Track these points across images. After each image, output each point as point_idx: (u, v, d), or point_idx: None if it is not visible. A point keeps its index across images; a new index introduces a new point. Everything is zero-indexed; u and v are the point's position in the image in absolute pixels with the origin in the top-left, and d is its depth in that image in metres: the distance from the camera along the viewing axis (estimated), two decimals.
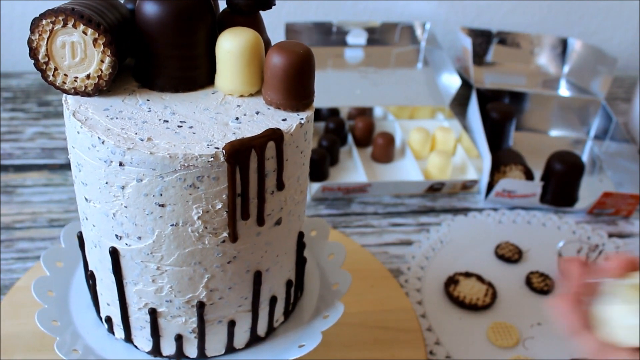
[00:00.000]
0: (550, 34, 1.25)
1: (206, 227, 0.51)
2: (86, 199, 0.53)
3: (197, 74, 0.54)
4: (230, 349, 0.59)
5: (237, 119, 0.51)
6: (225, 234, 0.52)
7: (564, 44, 1.23)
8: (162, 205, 0.49)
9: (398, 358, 0.71)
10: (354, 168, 1.02)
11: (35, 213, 0.90)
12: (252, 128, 0.51)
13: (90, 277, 0.59)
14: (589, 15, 1.36)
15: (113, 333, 0.60)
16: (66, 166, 0.99)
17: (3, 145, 1.03)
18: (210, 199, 0.50)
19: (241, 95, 0.54)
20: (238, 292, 0.56)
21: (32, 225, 0.88)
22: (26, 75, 1.22)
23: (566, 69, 1.24)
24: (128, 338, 0.59)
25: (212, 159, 0.48)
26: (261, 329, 0.60)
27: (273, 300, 0.59)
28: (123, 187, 0.49)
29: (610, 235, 0.94)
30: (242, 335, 0.59)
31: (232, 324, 0.57)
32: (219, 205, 0.50)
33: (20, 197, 0.92)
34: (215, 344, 0.59)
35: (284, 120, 0.52)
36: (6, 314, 0.72)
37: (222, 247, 0.52)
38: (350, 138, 1.06)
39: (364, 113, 1.11)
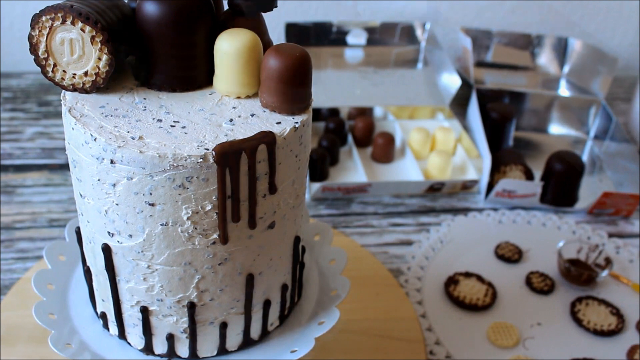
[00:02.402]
0: (550, 34, 1.25)
1: (196, 228, 0.51)
2: (81, 195, 0.53)
3: (195, 74, 0.54)
4: (222, 350, 0.59)
5: (231, 120, 0.51)
6: (215, 236, 0.51)
7: (564, 44, 1.23)
8: (152, 205, 0.49)
9: (397, 358, 0.71)
10: (354, 168, 1.02)
11: (35, 213, 0.90)
12: (245, 130, 0.50)
13: (87, 273, 0.59)
14: (589, 15, 1.36)
15: (108, 329, 0.60)
16: (66, 166, 0.99)
17: (3, 145, 1.03)
18: (199, 200, 0.49)
19: (238, 97, 0.54)
20: (230, 294, 0.56)
21: (32, 225, 0.88)
22: (26, 75, 1.22)
23: (566, 69, 1.24)
24: (122, 335, 0.59)
25: (201, 160, 0.48)
26: (254, 332, 0.60)
27: (267, 304, 0.59)
28: (114, 185, 0.49)
29: (610, 235, 0.94)
30: (234, 338, 0.59)
31: (224, 326, 0.57)
32: (209, 207, 0.50)
33: (20, 197, 0.92)
34: (207, 345, 0.58)
35: (279, 123, 0.51)
36: (10, 305, 0.72)
37: (212, 249, 0.52)
38: (350, 138, 1.06)
39: (364, 113, 1.11)
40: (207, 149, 0.48)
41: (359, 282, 0.67)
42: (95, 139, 0.48)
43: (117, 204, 0.50)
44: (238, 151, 0.48)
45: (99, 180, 0.50)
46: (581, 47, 1.22)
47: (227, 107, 0.53)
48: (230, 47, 0.51)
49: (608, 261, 0.84)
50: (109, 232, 0.52)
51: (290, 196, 0.55)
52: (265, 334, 0.61)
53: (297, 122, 0.52)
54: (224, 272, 0.54)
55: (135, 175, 0.48)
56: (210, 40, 0.53)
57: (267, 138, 0.50)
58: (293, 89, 0.51)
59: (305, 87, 0.52)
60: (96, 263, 0.56)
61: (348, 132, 1.07)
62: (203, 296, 0.55)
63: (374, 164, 1.04)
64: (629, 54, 1.40)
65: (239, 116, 0.52)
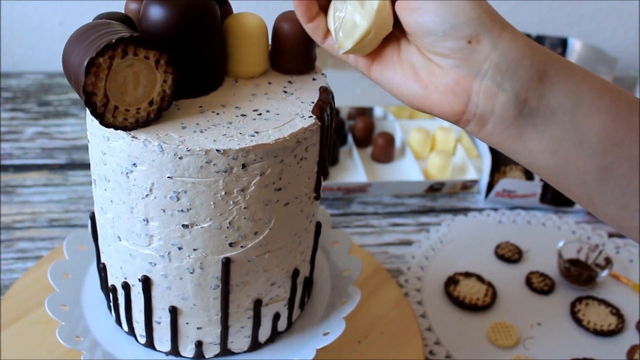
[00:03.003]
0: (550, 34, 1.25)
1: (306, 194, 0.53)
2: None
3: (204, 77, 0.53)
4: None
5: (285, 92, 0.54)
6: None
7: (564, 44, 1.23)
8: (279, 190, 0.51)
9: (396, 358, 0.71)
10: (354, 168, 1.02)
11: (35, 213, 0.90)
12: (306, 94, 0.53)
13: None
14: (589, 15, 1.36)
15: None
16: (66, 166, 0.99)
17: (3, 145, 1.03)
18: (312, 166, 0.52)
19: (252, 77, 0.55)
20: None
21: (32, 225, 0.88)
22: (26, 75, 1.22)
23: None
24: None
25: (314, 127, 0.50)
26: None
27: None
28: (243, 190, 0.49)
29: (610, 235, 0.94)
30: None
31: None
32: (315, 169, 0.53)
33: (20, 197, 0.92)
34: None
35: (302, 102, 0.54)
36: (6, 314, 0.72)
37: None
38: (350, 138, 1.06)
39: (364, 113, 1.11)
40: (311, 116, 0.51)
41: (358, 282, 0.67)
42: (222, 152, 0.47)
43: (245, 208, 0.50)
44: (326, 106, 0.53)
45: (225, 193, 0.49)
46: (581, 47, 1.22)
47: (266, 85, 0.54)
48: (253, 27, 0.52)
49: (608, 261, 0.84)
50: (231, 244, 0.52)
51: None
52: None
53: (322, 82, 0.55)
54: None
55: (268, 168, 0.49)
56: (214, 42, 0.52)
57: (328, 91, 0.54)
58: (306, 49, 0.55)
59: (312, 45, 0.56)
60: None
61: (348, 132, 1.07)
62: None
63: (374, 164, 1.04)
64: (629, 54, 1.40)
65: (285, 87, 0.54)
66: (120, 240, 0.53)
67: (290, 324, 0.62)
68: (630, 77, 1.34)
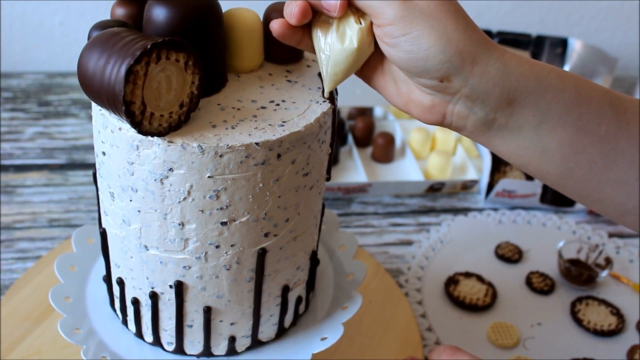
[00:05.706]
0: (550, 34, 1.25)
1: (322, 175, 0.54)
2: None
3: (220, 72, 0.53)
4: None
5: (289, 81, 0.54)
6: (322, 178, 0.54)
7: (564, 44, 1.23)
8: (306, 175, 0.51)
9: (396, 359, 0.71)
10: (354, 168, 1.02)
11: (35, 213, 0.90)
12: (309, 80, 0.54)
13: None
14: (589, 15, 1.36)
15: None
16: (66, 166, 0.99)
17: (3, 145, 1.03)
18: (328, 148, 0.54)
19: (251, 71, 0.55)
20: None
21: (32, 225, 0.88)
22: (26, 75, 1.22)
23: (566, 69, 1.24)
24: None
25: (330, 110, 0.51)
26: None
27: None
28: (278, 179, 0.50)
29: (610, 235, 0.94)
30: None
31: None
32: (329, 150, 0.54)
33: (20, 197, 0.92)
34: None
35: (310, 89, 0.55)
36: (6, 314, 0.72)
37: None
38: (350, 138, 1.06)
39: (364, 113, 1.11)
40: (325, 100, 0.52)
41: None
42: (259, 144, 0.47)
43: (279, 196, 0.51)
44: (334, 92, 0.54)
45: (262, 185, 0.49)
46: (581, 47, 1.21)
47: (268, 77, 0.55)
48: (248, 22, 0.52)
49: (608, 261, 0.84)
50: (265, 234, 0.52)
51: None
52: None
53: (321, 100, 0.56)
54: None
55: (299, 155, 0.50)
56: (220, 39, 0.52)
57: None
58: None
59: None
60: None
61: (348, 132, 1.07)
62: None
63: (374, 164, 1.04)
64: (629, 54, 1.40)
65: (286, 76, 0.55)
66: (148, 249, 0.52)
67: (307, 305, 0.63)
68: (630, 77, 1.34)
